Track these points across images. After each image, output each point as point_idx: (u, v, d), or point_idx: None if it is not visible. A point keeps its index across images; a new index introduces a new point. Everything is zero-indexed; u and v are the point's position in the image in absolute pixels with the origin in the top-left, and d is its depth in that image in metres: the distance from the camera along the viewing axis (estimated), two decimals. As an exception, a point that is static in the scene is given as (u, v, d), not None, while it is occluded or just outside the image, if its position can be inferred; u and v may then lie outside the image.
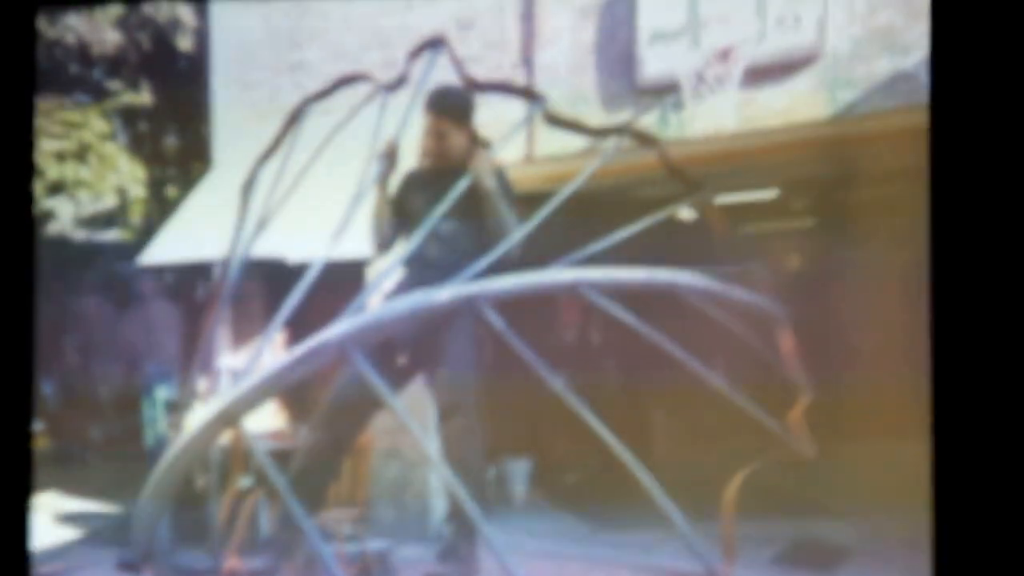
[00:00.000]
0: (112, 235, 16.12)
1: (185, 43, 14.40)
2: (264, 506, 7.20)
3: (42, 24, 14.13)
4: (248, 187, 3.80)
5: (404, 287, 4.35)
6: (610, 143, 4.14)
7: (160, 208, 15.05)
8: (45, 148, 13.52)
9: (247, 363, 3.07)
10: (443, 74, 3.95)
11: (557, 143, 7.94)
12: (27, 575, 2.49)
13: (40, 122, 13.25)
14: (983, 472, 2.22)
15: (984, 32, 2.32)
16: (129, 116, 15.65)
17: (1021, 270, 2.26)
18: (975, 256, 2.29)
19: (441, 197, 3.53)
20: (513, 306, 2.63)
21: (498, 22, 8.57)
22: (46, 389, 14.42)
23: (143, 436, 10.37)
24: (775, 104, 7.19)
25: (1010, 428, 2.22)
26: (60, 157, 13.87)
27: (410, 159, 4.60)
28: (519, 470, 10.00)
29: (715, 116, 7.25)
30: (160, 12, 14.50)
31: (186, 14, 14.35)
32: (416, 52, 3.80)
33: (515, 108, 6.43)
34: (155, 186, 15.76)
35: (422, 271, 4.31)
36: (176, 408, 9.90)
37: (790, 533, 8.35)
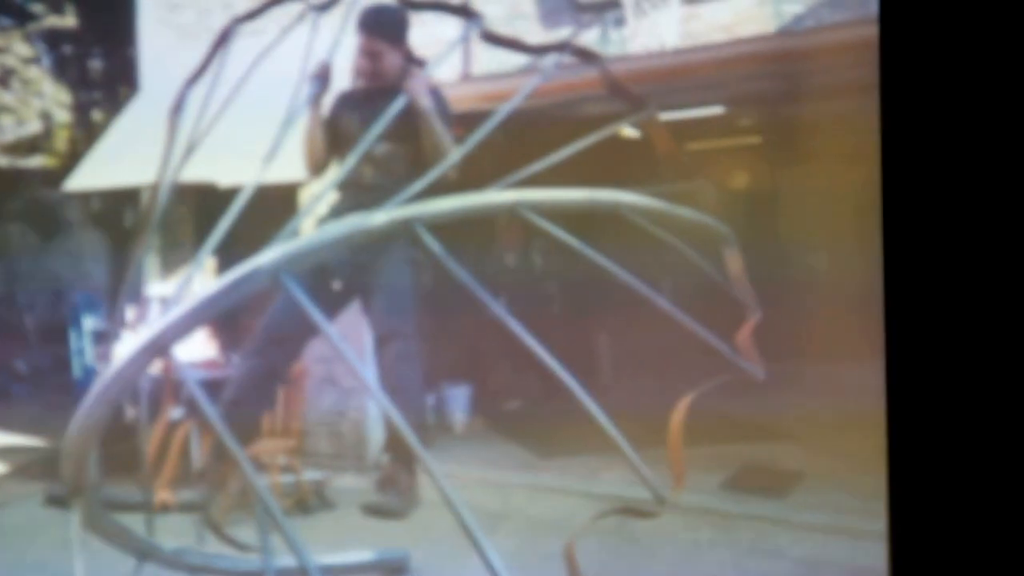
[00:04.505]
0: (37, 161, 15.89)
1: (109, -37, 14.12)
2: (196, 438, 7.13)
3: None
4: (176, 111, 3.72)
5: (338, 211, 4.29)
6: (550, 60, 4.07)
7: (86, 133, 14.88)
8: (-34, 73, 13.29)
9: (177, 291, 3.01)
10: (376, -8, 3.86)
11: (495, 61, 7.86)
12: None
13: (-40, 47, 13.03)
14: (937, 391, 2.17)
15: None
16: (53, 39, 15.42)
17: (975, 186, 2.20)
18: (928, 172, 2.22)
19: (376, 118, 3.43)
20: (451, 229, 2.55)
21: (432, -62, 8.41)
22: (-32, 321, 14.23)
23: (70, 367, 10.24)
24: (719, 19, 7.13)
25: (964, 347, 2.17)
26: (-18, 82, 13.63)
27: (343, 80, 4.50)
28: (459, 397, 9.97)
29: (657, 32, 7.18)
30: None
31: (109, -67, 14.07)
32: (349, -30, 3.70)
33: (451, 26, 6.33)
34: (81, 111, 15.58)
35: (357, 194, 4.25)
36: (104, 338, 9.78)
37: (740, 457, 8.37)
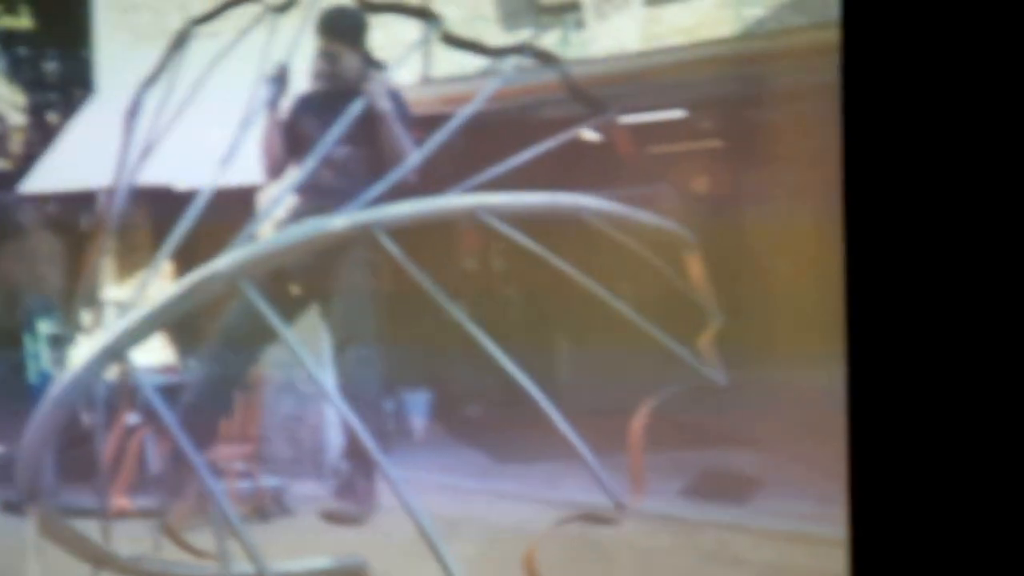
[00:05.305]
0: (-10, 164, 15.76)
1: (64, -36, 14.01)
2: (152, 443, 7.06)
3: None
4: (132, 113, 3.67)
5: (297, 215, 4.27)
6: (510, 63, 4.05)
7: (41, 135, 14.74)
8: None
9: (133, 295, 2.99)
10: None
11: (455, 63, 7.84)
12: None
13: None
14: (898, 397, 2.17)
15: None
16: (7, 40, 15.28)
17: (937, 190, 2.20)
18: (889, 175, 2.22)
19: (335, 121, 3.41)
20: (411, 233, 2.54)
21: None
22: (-80, 324, 14.06)
23: (25, 372, 10.14)
24: (680, 22, 7.14)
25: (925, 352, 2.16)
26: (-66, 84, 13.52)
27: (302, 82, 4.47)
28: (418, 402, 9.94)
29: (618, 35, 7.18)
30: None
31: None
32: (306, -28, 3.68)
33: (411, 28, 6.31)
34: (35, 113, 15.45)
35: (316, 198, 4.22)
36: (60, 342, 9.70)
37: (700, 463, 8.36)
